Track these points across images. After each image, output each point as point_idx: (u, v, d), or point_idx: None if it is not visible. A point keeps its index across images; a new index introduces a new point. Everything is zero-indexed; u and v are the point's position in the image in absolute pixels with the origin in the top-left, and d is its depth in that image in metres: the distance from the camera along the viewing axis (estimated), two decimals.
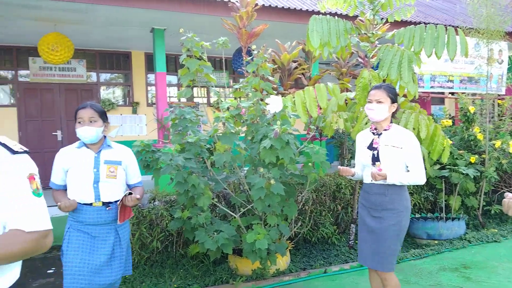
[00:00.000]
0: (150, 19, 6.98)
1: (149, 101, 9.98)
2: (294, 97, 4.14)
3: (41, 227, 1.29)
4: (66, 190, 2.69)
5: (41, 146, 8.57)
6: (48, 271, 4.26)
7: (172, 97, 10.27)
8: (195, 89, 10.19)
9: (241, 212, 3.67)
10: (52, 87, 8.89)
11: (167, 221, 4.22)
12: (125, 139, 8.87)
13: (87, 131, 2.61)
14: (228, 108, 3.58)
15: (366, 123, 3.88)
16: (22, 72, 8.75)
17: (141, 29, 7.56)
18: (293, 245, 4.48)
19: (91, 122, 2.62)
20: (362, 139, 2.97)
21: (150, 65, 9.81)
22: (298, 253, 4.67)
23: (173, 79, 10.23)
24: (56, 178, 2.68)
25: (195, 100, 10.43)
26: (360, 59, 5.97)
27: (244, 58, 5.16)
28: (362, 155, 2.91)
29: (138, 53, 9.76)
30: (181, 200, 3.40)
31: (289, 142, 3.03)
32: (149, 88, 10.04)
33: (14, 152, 1.31)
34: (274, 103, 2.98)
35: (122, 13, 6.62)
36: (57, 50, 6.95)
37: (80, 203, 2.62)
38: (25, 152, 1.35)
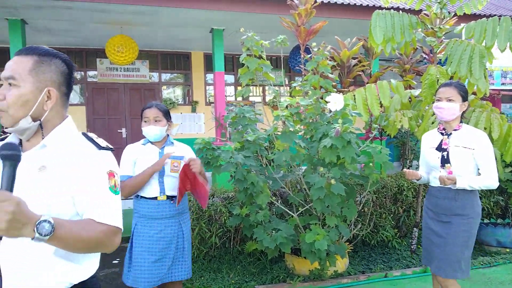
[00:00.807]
0: (210, 20, 7.13)
1: (207, 100, 10.22)
2: (354, 95, 4.04)
3: (112, 222, 1.32)
4: None
5: (107, 142, 9.08)
6: (113, 262, 4.50)
7: (229, 96, 10.44)
8: (250, 87, 10.29)
9: (299, 211, 3.64)
10: (117, 86, 9.38)
11: (225, 217, 4.29)
12: (184, 137, 9.15)
13: (152, 130, 2.73)
14: (287, 107, 3.55)
15: (433, 123, 3.68)
16: (90, 72, 9.31)
17: (201, 30, 7.75)
18: (352, 247, 4.37)
19: (156, 121, 2.73)
20: (429, 139, 2.82)
21: (208, 65, 10.03)
22: (357, 255, 4.55)
23: (229, 78, 10.39)
24: (125, 169, 2.74)
25: (251, 98, 10.54)
26: (424, 55, 5.70)
27: (302, 56, 5.12)
28: (430, 157, 2.77)
29: (197, 53, 10.02)
30: (240, 197, 3.43)
31: (350, 141, 2.95)
32: (207, 87, 10.28)
33: (100, 147, 1.38)
34: (335, 101, 2.91)
35: (184, 14, 6.83)
36: (123, 52, 7.31)
37: (145, 197, 2.73)
38: (109, 149, 1.41)
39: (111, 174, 1.36)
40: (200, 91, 10.15)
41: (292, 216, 3.62)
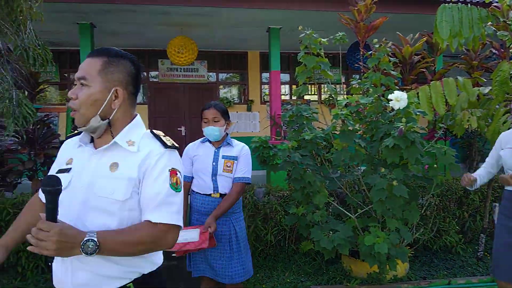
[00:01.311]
0: (267, 19, 7.16)
1: (263, 99, 10.28)
2: (417, 93, 3.86)
3: (168, 220, 1.35)
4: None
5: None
6: (173, 254, 4.66)
7: (284, 94, 10.43)
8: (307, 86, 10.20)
9: (358, 213, 3.55)
10: (177, 86, 9.70)
11: (280, 216, 4.30)
12: (240, 135, 9.27)
13: (211, 131, 2.80)
14: (346, 105, 3.48)
15: (505, 122, 3.44)
16: (152, 73, 9.71)
17: (258, 29, 7.80)
18: (412, 252, 4.19)
19: (214, 121, 2.80)
20: (507, 140, 2.64)
21: (264, 64, 10.08)
22: (417, 260, 4.37)
23: (284, 77, 10.37)
24: (184, 169, 2.86)
25: (305, 97, 10.45)
26: (494, 50, 5.33)
27: (362, 53, 4.98)
28: (509, 158, 2.59)
29: (254, 52, 10.10)
30: (297, 196, 3.41)
31: (415, 141, 2.82)
32: (262, 86, 10.34)
33: (166, 146, 1.42)
34: (398, 99, 2.80)
35: (242, 14, 6.92)
36: (183, 53, 7.54)
37: (200, 193, 2.82)
38: (174, 147, 1.45)
39: (173, 172, 1.39)
40: (256, 90, 10.23)
41: (350, 218, 3.54)
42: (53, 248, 1.17)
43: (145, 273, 1.42)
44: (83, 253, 1.21)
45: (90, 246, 1.21)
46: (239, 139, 3.07)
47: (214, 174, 2.80)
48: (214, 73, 10.10)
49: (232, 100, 10.07)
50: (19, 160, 4.79)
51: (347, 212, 3.58)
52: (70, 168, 1.42)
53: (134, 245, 1.30)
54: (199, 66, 9.76)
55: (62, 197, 1.25)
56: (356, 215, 3.53)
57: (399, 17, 6.84)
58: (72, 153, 1.47)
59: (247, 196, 4.29)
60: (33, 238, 1.17)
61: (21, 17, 3.82)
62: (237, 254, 2.81)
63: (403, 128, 2.83)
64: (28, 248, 1.18)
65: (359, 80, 3.91)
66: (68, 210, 1.32)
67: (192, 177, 2.91)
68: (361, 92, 4.00)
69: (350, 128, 3.16)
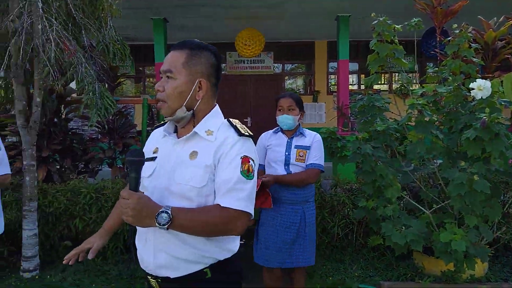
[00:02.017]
0: (335, 7, 6.99)
1: (329, 89, 10.10)
2: (501, 81, 3.56)
3: (237, 206, 1.36)
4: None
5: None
6: (240, 242, 4.77)
7: (352, 84, 10.15)
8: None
9: (432, 208, 3.38)
10: (244, 78, 9.85)
11: (348, 209, 4.22)
12: (305, 126, 9.16)
13: (285, 119, 2.81)
14: (422, 95, 3.31)
15: None
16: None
17: (326, 18, 7.64)
18: (493, 252, 3.91)
19: (289, 110, 2.81)
20: None
21: (331, 54, 9.88)
22: (497, 261, 4.07)
23: (352, 66, 10.09)
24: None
25: (375, 87, 10.09)
26: None
27: (438, 39, 4.70)
28: None
29: (321, 42, 9.94)
30: (367, 189, 3.32)
31: (499, 133, 2.61)
32: (329, 76, 10.15)
33: (240, 134, 1.44)
34: (481, 88, 2.60)
35: (310, 3, 6.82)
36: (249, 45, 7.62)
37: None
38: (249, 136, 1.47)
39: (245, 159, 1.40)
40: (322, 81, 10.07)
41: (424, 213, 3.38)
42: (130, 214, 1.26)
43: (221, 259, 1.46)
44: (156, 223, 1.27)
45: (164, 217, 1.27)
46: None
47: (287, 163, 2.82)
48: (280, 64, 10.09)
49: (297, 91, 10.02)
50: (100, 148, 5.16)
51: (421, 207, 3.42)
52: (156, 157, 1.50)
53: (203, 225, 1.34)
54: (265, 58, 9.81)
55: (146, 184, 1.33)
56: (430, 210, 3.37)
57: (479, 1, 6.34)
58: (158, 143, 1.55)
59: (318, 187, 4.26)
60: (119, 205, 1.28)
61: (102, 15, 4.09)
62: (302, 239, 2.82)
63: (486, 119, 2.63)
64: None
65: (436, 68, 3.69)
66: (152, 196, 1.40)
67: (264, 166, 2.95)
68: (437, 81, 3.78)
69: (427, 118, 3.00)
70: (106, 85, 4.74)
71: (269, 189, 2.81)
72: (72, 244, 4.25)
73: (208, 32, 8.81)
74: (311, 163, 2.82)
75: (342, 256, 4.21)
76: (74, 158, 4.92)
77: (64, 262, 1.59)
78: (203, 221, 1.34)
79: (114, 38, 4.04)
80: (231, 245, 1.51)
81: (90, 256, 1.53)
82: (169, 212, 1.28)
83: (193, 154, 1.42)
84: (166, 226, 1.28)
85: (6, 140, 4.85)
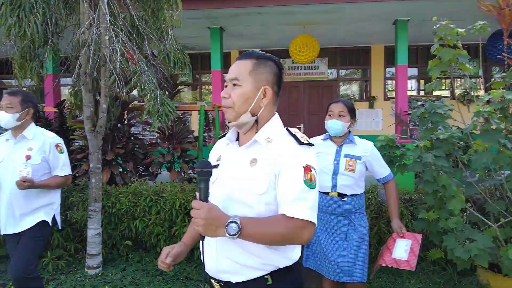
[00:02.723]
0: (394, 11, 6.81)
1: (387, 95, 9.81)
2: None
3: (302, 216, 1.36)
4: None
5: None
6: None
7: (410, 90, 9.79)
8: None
9: (500, 222, 3.16)
10: (297, 85, 9.83)
11: (407, 220, 4.05)
12: (361, 133, 8.99)
13: (334, 124, 2.76)
14: (488, 101, 3.12)
15: None
16: None
17: (383, 22, 7.47)
18: None
19: (340, 116, 2.75)
20: None
21: (389, 59, 9.60)
22: None
23: (411, 71, 9.74)
24: None
25: (436, 93, 9.65)
26: None
27: (506, 42, 4.41)
28: None
29: (377, 47, 9.71)
30: (428, 200, 3.18)
31: None
32: (386, 82, 9.87)
33: (300, 143, 1.46)
34: None
35: (368, 8, 6.70)
36: (304, 51, 7.60)
37: (319, 191, 2.80)
38: (309, 144, 1.48)
39: (307, 168, 1.41)
40: (379, 86, 9.81)
41: (490, 227, 3.17)
42: (201, 224, 1.29)
43: (281, 267, 1.48)
44: (226, 234, 1.30)
45: (233, 227, 1.30)
46: (360, 137, 2.98)
47: (335, 173, 2.75)
48: (335, 70, 9.97)
49: (353, 97, 9.84)
50: (159, 153, 5.37)
51: (486, 221, 3.22)
52: (218, 164, 1.55)
53: (271, 235, 1.36)
54: (319, 64, 9.74)
55: (210, 190, 1.37)
56: (497, 224, 3.15)
57: None
58: (221, 151, 1.61)
59: (370, 197, 4.14)
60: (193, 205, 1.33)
61: (164, 25, 4.27)
62: (359, 252, 2.74)
63: None
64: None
65: (503, 73, 3.47)
66: (215, 202, 1.44)
67: None
68: (505, 87, 3.54)
69: (494, 127, 2.82)
70: (167, 93, 4.95)
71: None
72: (132, 244, 4.46)
73: (262, 39, 8.91)
74: (388, 175, 2.90)
75: (398, 269, 4.05)
76: (136, 161, 5.16)
77: (162, 267, 1.60)
78: (271, 232, 1.35)
79: (174, 47, 4.21)
80: (292, 253, 1.52)
81: (168, 260, 1.57)
82: (238, 222, 1.31)
83: (253, 162, 1.46)
84: (235, 236, 1.30)
85: (74, 144, 5.19)
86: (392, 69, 9.60)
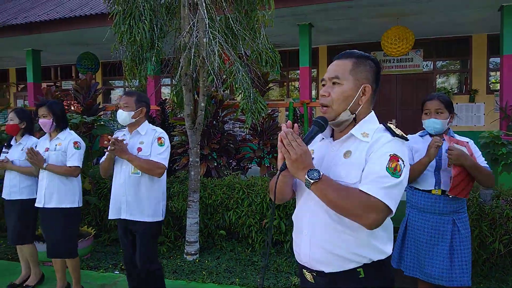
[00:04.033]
0: None
1: (489, 88, 9.01)
2: None
3: (376, 194, 1.37)
4: None
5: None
6: None
7: None
8: None
9: None
10: (390, 78, 9.46)
11: None
12: (459, 129, 8.38)
13: (432, 123, 2.66)
14: None
15: None
16: None
17: (485, 9, 6.88)
18: None
19: (437, 113, 2.64)
20: None
21: (493, 48, 8.80)
22: None
23: None
24: None
25: None
26: None
27: None
28: None
29: (479, 36, 8.94)
30: None
31: None
32: (490, 73, 9.05)
33: (394, 135, 1.48)
34: None
35: None
36: (396, 43, 7.30)
37: (419, 189, 2.70)
38: (403, 138, 1.49)
39: (394, 157, 1.42)
40: (481, 78, 9.02)
41: None
42: (293, 156, 1.39)
43: (374, 260, 1.50)
44: (306, 176, 1.39)
45: (315, 174, 1.39)
46: (459, 133, 2.82)
47: (438, 168, 2.64)
48: (430, 62, 9.40)
49: (451, 90, 9.19)
50: (250, 148, 5.59)
51: None
52: (312, 158, 1.61)
53: (341, 198, 1.39)
54: (413, 55, 9.26)
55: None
56: None
57: None
58: (313, 146, 1.67)
59: (471, 198, 3.89)
60: (285, 139, 1.41)
61: (256, 25, 4.43)
62: (460, 255, 2.60)
63: None
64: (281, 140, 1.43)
65: None
66: (310, 194, 1.51)
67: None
68: None
69: None
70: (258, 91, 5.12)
71: (415, 199, 2.70)
72: (226, 234, 4.72)
73: (352, 33, 8.73)
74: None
75: (503, 276, 3.76)
76: (229, 156, 5.44)
77: None
78: (343, 196, 1.39)
79: (266, 46, 4.35)
80: (385, 246, 1.53)
81: None
82: (320, 173, 1.40)
83: (347, 153, 1.51)
84: (312, 182, 1.38)
85: (174, 139, 5.62)
86: (497, 60, 8.78)
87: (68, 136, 3.42)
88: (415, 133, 2.88)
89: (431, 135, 2.74)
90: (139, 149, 2.96)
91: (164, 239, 4.72)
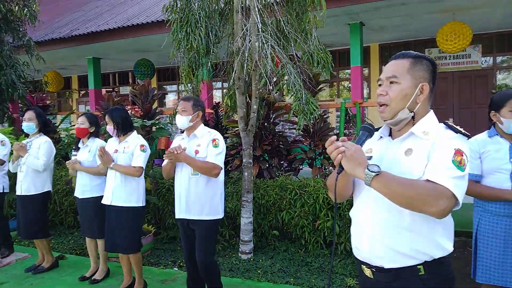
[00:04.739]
0: None
1: None
2: None
3: (443, 182, 1.37)
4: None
5: None
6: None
7: None
8: None
9: None
10: (446, 75, 9.09)
11: None
12: None
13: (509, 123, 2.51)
14: None
15: None
16: None
17: None
18: None
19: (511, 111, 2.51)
20: None
21: None
22: None
23: None
24: (471, 167, 2.58)
25: None
26: None
27: None
28: None
29: None
30: None
31: None
32: None
33: (457, 131, 1.50)
34: None
35: None
36: (453, 39, 7.01)
37: None
38: (466, 135, 1.50)
39: (458, 152, 1.43)
40: None
41: None
42: (348, 155, 1.42)
43: (435, 257, 1.50)
44: (365, 171, 1.40)
45: (375, 168, 1.40)
46: None
47: None
48: (490, 57, 8.92)
49: None
50: (301, 149, 5.61)
51: None
52: (371, 157, 1.64)
53: (406, 188, 1.38)
54: (471, 51, 8.84)
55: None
56: None
57: None
58: (371, 145, 1.70)
59: None
60: (335, 142, 1.46)
61: (308, 27, 4.46)
62: None
63: None
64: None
65: None
66: (369, 191, 1.54)
67: (480, 176, 2.61)
68: None
69: None
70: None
71: (492, 206, 2.57)
72: (279, 234, 4.78)
73: (405, 30, 8.49)
74: None
75: None
76: (280, 157, 5.50)
77: None
78: (407, 186, 1.39)
79: (318, 47, 4.36)
80: (447, 243, 1.53)
81: None
82: (380, 167, 1.41)
83: (408, 151, 1.53)
84: (373, 175, 1.39)
85: (227, 141, 5.76)
86: None
87: (136, 140, 3.65)
88: (476, 133, 2.70)
89: (500, 134, 2.58)
90: (197, 152, 3.10)
91: (219, 238, 4.86)
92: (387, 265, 1.53)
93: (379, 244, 1.53)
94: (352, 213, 1.70)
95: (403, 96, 1.55)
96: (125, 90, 13.92)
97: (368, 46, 9.79)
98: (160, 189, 5.16)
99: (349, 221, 4.15)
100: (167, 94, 13.76)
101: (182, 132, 3.31)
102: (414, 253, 1.49)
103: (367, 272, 1.61)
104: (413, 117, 1.57)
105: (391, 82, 1.58)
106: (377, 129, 1.69)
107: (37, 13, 7.29)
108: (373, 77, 9.98)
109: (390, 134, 1.67)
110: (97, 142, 3.98)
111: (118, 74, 14.27)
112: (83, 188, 3.94)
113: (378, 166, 1.42)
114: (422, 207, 1.38)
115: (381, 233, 1.53)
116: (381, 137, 1.68)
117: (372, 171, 1.39)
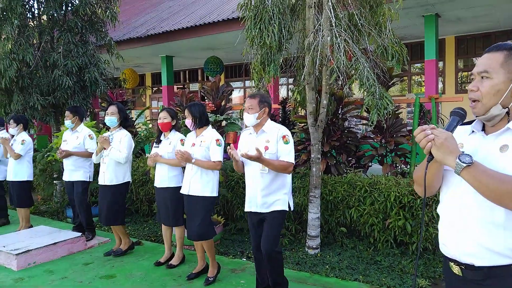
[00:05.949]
0: None
1: None
2: None
3: None
4: None
5: None
6: None
7: None
8: None
9: None
10: None
11: None
12: None
13: None
14: None
15: None
16: None
17: None
18: None
19: None
20: None
21: None
22: None
23: None
24: None
25: None
26: None
27: None
28: None
29: None
30: None
31: None
32: None
33: None
34: None
35: None
36: None
37: None
38: None
39: None
40: None
41: None
42: (439, 142, 1.40)
43: None
44: (457, 160, 1.37)
45: (467, 158, 1.37)
46: None
47: None
48: None
49: None
50: (371, 146, 5.48)
51: None
52: (463, 152, 1.58)
53: (502, 181, 1.34)
54: None
55: (451, 178, 1.45)
56: None
57: None
58: (462, 139, 1.63)
59: None
60: (428, 129, 1.43)
61: (382, 19, 4.34)
62: None
63: None
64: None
65: None
66: (458, 187, 1.50)
67: None
68: None
69: None
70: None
71: None
72: (347, 231, 4.73)
73: (485, 21, 7.94)
74: None
75: None
76: (348, 154, 5.41)
77: None
78: (501, 180, 1.35)
79: (392, 41, 4.23)
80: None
81: None
82: (472, 158, 1.37)
83: (504, 148, 1.46)
84: (464, 166, 1.36)
85: (294, 136, 5.77)
86: None
87: (212, 134, 3.82)
88: None
89: None
90: (266, 148, 3.17)
91: (285, 232, 4.91)
92: (478, 263, 1.48)
93: (471, 242, 1.48)
94: (440, 209, 1.66)
95: (496, 92, 1.47)
96: (195, 87, 14.46)
97: (443, 39, 9.28)
98: (229, 181, 5.32)
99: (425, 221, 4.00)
100: (233, 90, 14.07)
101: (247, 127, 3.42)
102: (508, 252, 1.42)
103: (455, 269, 1.56)
104: (507, 113, 1.49)
105: (482, 77, 1.50)
106: (468, 123, 1.63)
107: (117, 14, 7.79)
108: (448, 71, 9.45)
109: (483, 129, 1.59)
110: (177, 135, 4.21)
111: (188, 72, 14.85)
112: (161, 178, 4.19)
113: (470, 156, 1.38)
114: (507, 203, 1.35)
115: (473, 231, 1.47)
116: (473, 131, 1.61)
117: (463, 162, 1.36)
